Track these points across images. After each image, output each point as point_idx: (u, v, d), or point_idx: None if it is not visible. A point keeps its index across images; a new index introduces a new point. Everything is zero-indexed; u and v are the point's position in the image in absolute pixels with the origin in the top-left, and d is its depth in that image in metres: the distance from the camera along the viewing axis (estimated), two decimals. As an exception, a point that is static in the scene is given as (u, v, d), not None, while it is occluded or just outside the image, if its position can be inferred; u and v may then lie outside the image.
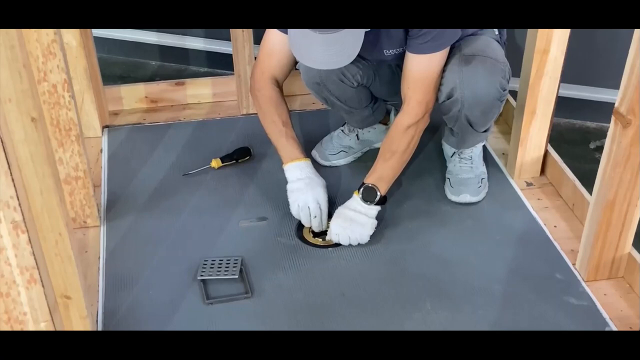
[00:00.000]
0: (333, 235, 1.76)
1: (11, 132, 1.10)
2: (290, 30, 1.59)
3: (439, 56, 1.67)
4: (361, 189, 1.76)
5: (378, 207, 1.77)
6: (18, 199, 1.04)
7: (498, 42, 1.80)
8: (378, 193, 1.74)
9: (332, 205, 1.85)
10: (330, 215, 1.81)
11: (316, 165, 2.04)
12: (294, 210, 1.79)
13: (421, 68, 1.68)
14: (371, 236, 1.79)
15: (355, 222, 1.74)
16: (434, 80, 1.70)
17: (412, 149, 1.77)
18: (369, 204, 1.75)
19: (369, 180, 1.76)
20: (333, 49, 1.52)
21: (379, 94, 1.95)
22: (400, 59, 1.73)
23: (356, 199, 1.76)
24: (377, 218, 1.79)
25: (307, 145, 2.10)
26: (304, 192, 1.78)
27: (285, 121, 1.82)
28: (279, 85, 1.84)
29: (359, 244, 1.76)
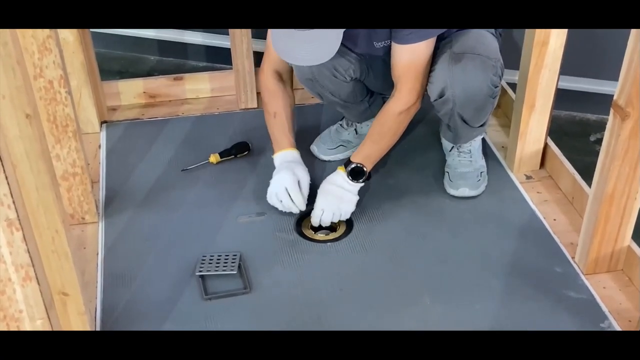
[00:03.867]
0: (317, 210, 1.77)
1: (5, 129, 1.10)
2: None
3: (425, 45, 1.67)
4: (348, 168, 1.78)
5: (361, 184, 1.80)
6: (12, 196, 1.03)
7: (493, 34, 1.79)
8: (366, 172, 1.77)
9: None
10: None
11: (315, 159, 2.05)
12: (269, 196, 1.82)
13: (408, 57, 1.68)
14: (369, 231, 1.79)
15: (342, 199, 1.77)
16: (423, 67, 1.71)
17: (401, 133, 1.81)
18: (357, 183, 1.77)
19: (357, 158, 1.79)
20: (311, 45, 1.53)
21: (374, 87, 1.94)
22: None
23: (341, 175, 1.78)
24: (373, 211, 1.82)
25: (306, 139, 2.10)
26: (277, 177, 1.81)
27: (277, 112, 1.85)
28: (281, 77, 1.87)
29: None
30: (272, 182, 1.82)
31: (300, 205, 1.80)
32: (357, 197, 1.80)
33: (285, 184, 1.78)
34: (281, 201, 1.79)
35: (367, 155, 1.79)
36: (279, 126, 1.85)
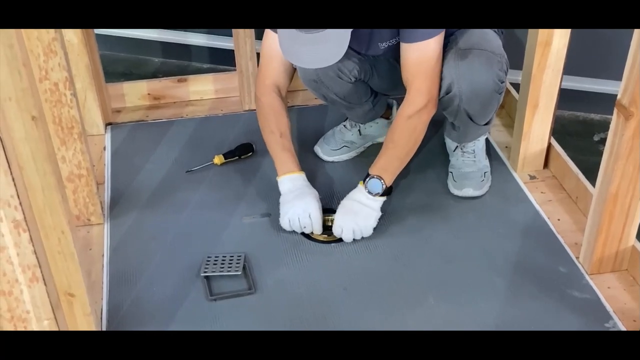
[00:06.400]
0: (336, 228, 1.75)
1: (11, 131, 1.10)
2: (278, 30, 1.59)
3: (433, 42, 1.65)
4: (366, 180, 1.75)
5: (383, 199, 1.76)
6: (19, 197, 1.04)
7: (495, 32, 1.79)
8: (383, 184, 1.74)
9: (334, 203, 1.84)
10: (334, 211, 1.80)
11: (318, 160, 2.05)
12: (284, 223, 1.77)
13: (416, 56, 1.66)
14: (374, 230, 1.78)
15: (359, 215, 1.74)
16: (432, 67, 1.67)
17: (417, 138, 1.75)
18: (373, 196, 1.74)
19: (373, 171, 1.75)
20: (319, 47, 1.52)
21: (378, 88, 1.94)
22: (396, 50, 1.72)
23: (361, 190, 1.75)
24: (380, 211, 1.78)
25: (310, 141, 2.10)
26: (293, 204, 1.76)
27: (283, 132, 1.81)
28: (281, 94, 1.83)
29: (362, 237, 1.76)
30: (295, 205, 1.75)
31: (318, 231, 1.78)
32: (378, 213, 1.75)
33: (310, 211, 1.75)
34: (304, 227, 1.76)
35: (383, 166, 1.75)
36: (287, 147, 1.81)
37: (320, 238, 1.79)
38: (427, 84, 1.69)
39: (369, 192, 1.74)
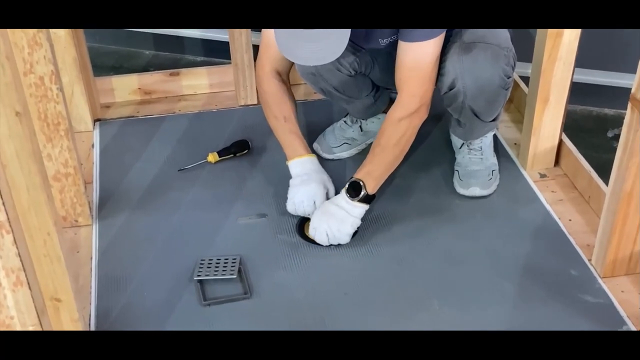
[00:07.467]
0: (311, 230, 1.74)
1: (-6, 128, 1.10)
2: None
3: (432, 44, 1.62)
4: (348, 184, 1.72)
5: (364, 206, 1.72)
6: (2, 197, 1.02)
7: None
8: (363, 189, 1.70)
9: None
10: None
11: (319, 159, 2.00)
12: (290, 207, 1.79)
13: (413, 57, 1.64)
14: (375, 232, 1.76)
15: (334, 217, 1.71)
16: (428, 70, 1.65)
17: (406, 143, 1.73)
18: (353, 200, 1.70)
19: (357, 175, 1.73)
20: (317, 45, 1.50)
21: (379, 81, 1.90)
22: (397, 45, 1.68)
23: (342, 194, 1.73)
24: (379, 211, 1.76)
25: (310, 136, 2.07)
26: (298, 189, 1.77)
27: (287, 116, 1.80)
28: (282, 78, 1.82)
29: (339, 244, 1.73)
30: (300, 191, 1.76)
31: None
32: (355, 219, 1.71)
33: (315, 198, 1.75)
34: (309, 214, 1.76)
35: (368, 171, 1.72)
36: (294, 130, 1.81)
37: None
38: (422, 88, 1.67)
39: (349, 197, 1.71)
